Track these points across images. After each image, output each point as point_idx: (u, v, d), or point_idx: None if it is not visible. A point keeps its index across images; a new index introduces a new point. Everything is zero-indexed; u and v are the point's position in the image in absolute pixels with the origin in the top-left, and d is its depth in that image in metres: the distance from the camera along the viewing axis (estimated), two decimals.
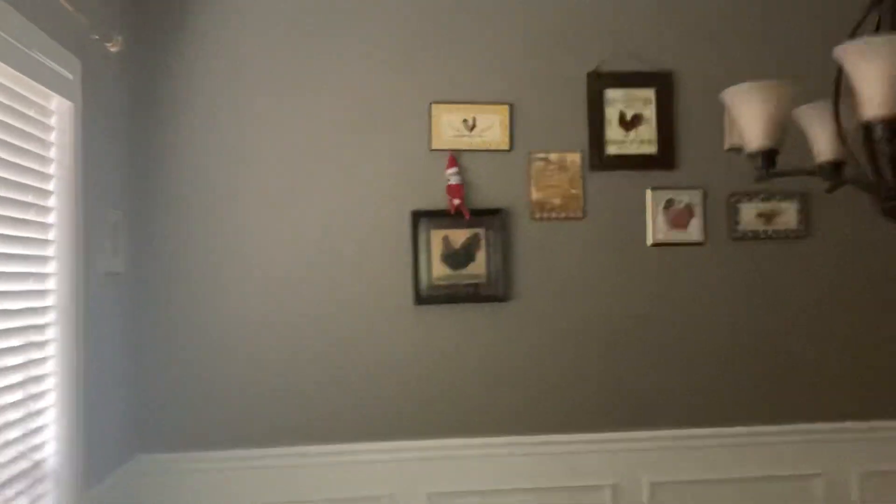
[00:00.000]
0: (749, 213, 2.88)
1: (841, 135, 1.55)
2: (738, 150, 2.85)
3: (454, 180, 2.78)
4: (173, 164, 2.74)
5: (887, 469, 2.89)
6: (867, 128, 1.40)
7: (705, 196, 2.89)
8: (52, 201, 2.12)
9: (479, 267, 2.82)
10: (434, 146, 2.82)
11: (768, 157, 1.60)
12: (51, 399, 2.11)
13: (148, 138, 2.73)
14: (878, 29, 1.57)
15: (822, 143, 1.70)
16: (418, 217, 2.80)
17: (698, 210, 2.87)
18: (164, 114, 2.74)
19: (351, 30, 2.82)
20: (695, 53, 2.92)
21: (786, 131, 1.66)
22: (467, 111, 2.83)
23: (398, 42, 2.83)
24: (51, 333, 2.11)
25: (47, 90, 2.04)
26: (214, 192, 2.75)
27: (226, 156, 2.76)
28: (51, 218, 2.11)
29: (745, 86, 1.61)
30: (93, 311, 2.32)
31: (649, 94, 2.88)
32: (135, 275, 2.70)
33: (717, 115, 2.89)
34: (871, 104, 1.31)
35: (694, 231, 2.87)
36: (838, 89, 1.56)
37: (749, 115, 1.60)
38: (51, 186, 2.12)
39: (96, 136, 2.38)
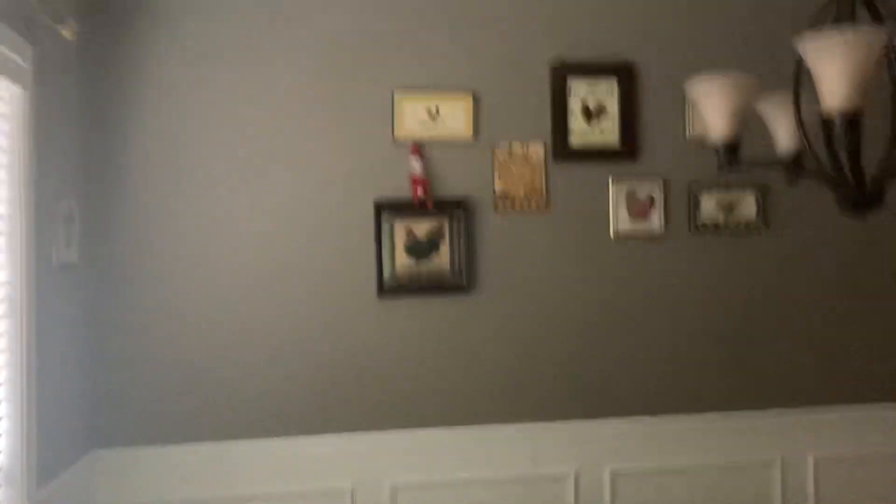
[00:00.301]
0: (709, 204, 2.92)
1: (801, 127, 1.57)
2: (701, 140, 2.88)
3: (417, 170, 2.76)
4: (129, 153, 2.67)
5: (841, 454, 2.97)
6: (827, 121, 1.42)
7: (666, 186, 2.91)
8: (2, 191, 2.05)
9: (442, 258, 2.81)
10: (397, 135, 2.79)
11: (730, 148, 1.62)
12: (1, 394, 2.04)
13: (103, 126, 2.66)
14: (837, 19, 1.59)
15: (783, 136, 1.72)
16: (381, 208, 2.77)
17: (659, 201, 2.90)
18: (119, 101, 2.67)
19: (314, 14, 2.77)
20: (656, 44, 2.93)
21: (749, 121, 1.68)
22: (431, 100, 2.80)
23: (362, 29, 2.79)
24: (1, 327, 2.04)
25: None
26: (171, 181, 2.69)
27: (182, 144, 2.70)
28: (1, 208, 2.04)
29: (707, 78, 1.62)
30: (45, 303, 2.25)
31: (612, 84, 2.89)
32: (89, 266, 2.63)
33: (679, 105, 2.92)
34: (832, 98, 1.33)
35: (655, 222, 2.90)
36: (798, 81, 1.57)
37: (711, 107, 1.62)
38: (1, 175, 2.04)
39: (49, 124, 2.31)
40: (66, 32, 2.26)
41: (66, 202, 2.42)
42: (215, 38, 2.72)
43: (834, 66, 1.31)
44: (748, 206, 2.93)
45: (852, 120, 1.34)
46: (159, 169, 2.69)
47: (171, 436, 2.67)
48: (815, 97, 1.53)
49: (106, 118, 2.66)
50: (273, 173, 2.74)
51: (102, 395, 2.64)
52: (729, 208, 2.92)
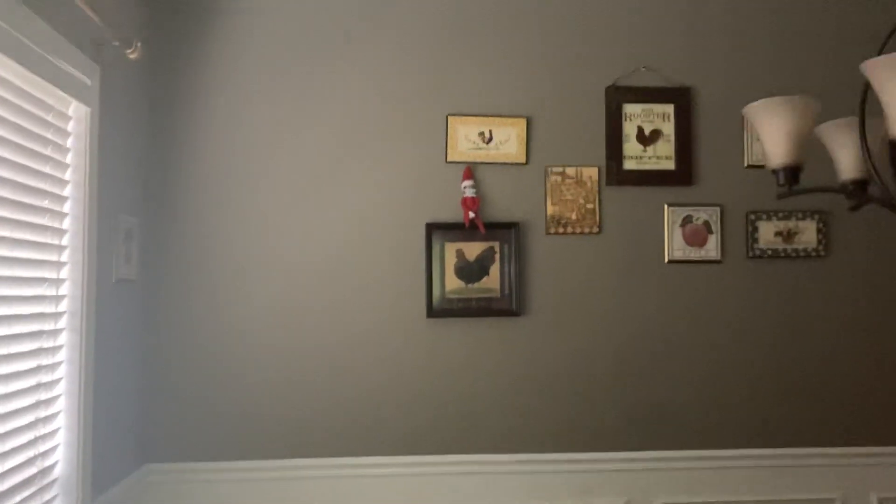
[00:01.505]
0: (767, 232, 2.85)
1: (867, 152, 1.52)
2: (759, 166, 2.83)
3: (469, 193, 2.76)
4: (189, 172, 2.74)
5: None
6: (894, 146, 1.37)
7: (723, 213, 2.85)
8: (67, 206, 2.12)
9: (492, 281, 2.80)
10: (450, 158, 2.80)
11: (791, 173, 1.58)
12: (60, 405, 2.09)
13: (164, 145, 2.74)
14: None
15: (846, 161, 1.67)
16: (432, 229, 2.78)
17: (716, 227, 2.84)
18: (180, 120, 2.74)
19: (371, 39, 2.81)
20: (714, 69, 2.89)
21: (808, 147, 1.63)
22: (484, 124, 2.81)
23: (417, 53, 2.82)
24: (62, 339, 2.10)
25: (66, 95, 2.04)
26: (229, 201, 2.75)
27: (242, 164, 2.76)
28: (65, 223, 2.11)
29: (767, 101, 1.59)
30: (104, 319, 2.31)
31: (668, 109, 2.86)
32: (147, 282, 2.70)
33: (737, 131, 2.87)
34: None
35: (711, 248, 2.84)
36: (864, 105, 1.53)
37: (771, 131, 1.58)
38: (66, 192, 2.11)
39: (113, 143, 2.38)
40: (132, 53, 2.33)
41: (126, 219, 2.49)
42: (276, 64, 2.78)
43: None
44: (809, 232, 2.85)
45: None
46: (217, 188, 2.74)
47: (222, 453, 2.70)
48: (879, 122, 1.49)
49: (166, 137, 2.74)
50: (328, 195, 2.77)
51: (156, 410, 2.69)
52: (788, 235, 2.85)
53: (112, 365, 2.40)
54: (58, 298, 2.08)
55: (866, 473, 2.84)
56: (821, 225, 2.85)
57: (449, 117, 2.80)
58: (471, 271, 2.80)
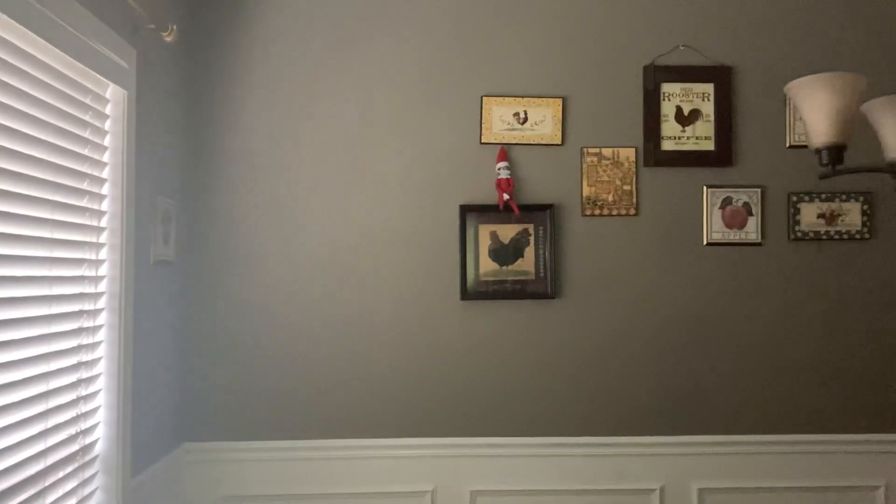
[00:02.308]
0: (809, 213, 2.78)
1: None
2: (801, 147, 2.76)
3: (504, 174, 2.74)
4: (226, 153, 2.76)
5: None
6: None
7: (764, 195, 2.79)
8: (105, 188, 2.14)
9: (527, 263, 2.78)
10: (484, 139, 2.78)
11: (834, 153, 1.53)
12: (100, 384, 2.13)
13: (201, 126, 2.75)
14: None
15: (891, 140, 1.61)
16: (466, 211, 2.76)
17: (756, 209, 2.78)
18: (216, 102, 2.76)
19: (406, 19, 2.79)
20: (755, 47, 2.82)
21: (853, 126, 1.58)
22: (519, 104, 2.78)
23: (451, 33, 2.80)
24: (102, 319, 2.13)
25: (103, 78, 2.05)
26: (266, 182, 2.76)
27: (278, 145, 2.76)
28: (104, 205, 2.13)
29: (810, 78, 1.54)
30: (142, 299, 2.34)
31: (708, 88, 2.79)
32: (185, 263, 2.72)
33: (778, 111, 2.80)
34: None
35: (751, 230, 2.78)
36: None
37: (814, 109, 1.53)
38: (104, 174, 2.14)
39: (150, 125, 2.40)
40: (168, 36, 2.34)
41: (164, 200, 2.51)
42: (310, 43, 2.77)
43: None
44: (853, 214, 2.78)
45: None
46: (254, 170, 2.76)
47: (258, 432, 2.73)
48: None
49: (202, 119, 2.75)
50: (363, 175, 2.77)
51: (194, 390, 2.72)
52: (831, 217, 2.77)
53: (151, 345, 2.43)
54: (97, 279, 2.11)
55: None
56: (865, 206, 2.78)
57: (483, 98, 2.77)
58: (505, 253, 2.78)
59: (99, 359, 2.12)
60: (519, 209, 2.73)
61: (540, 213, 2.77)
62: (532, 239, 2.78)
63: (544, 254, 2.77)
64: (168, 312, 2.60)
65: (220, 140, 2.75)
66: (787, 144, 2.80)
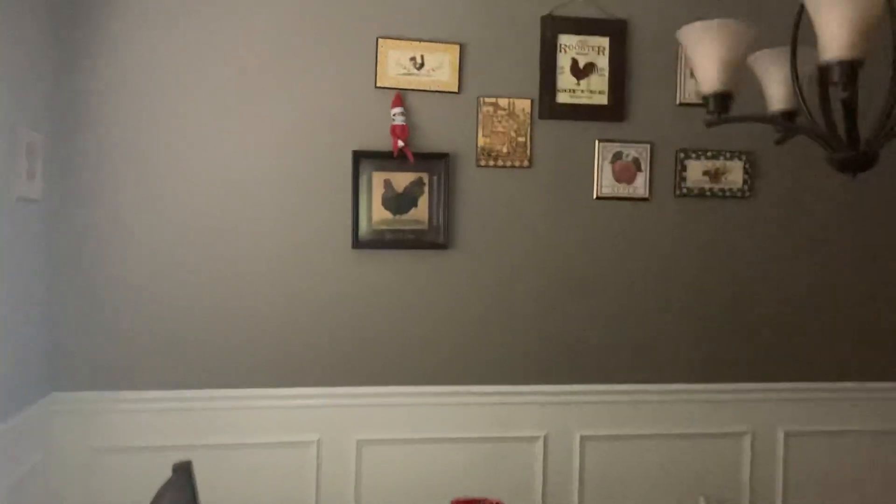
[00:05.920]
0: (696, 171, 2.86)
1: (796, 79, 1.50)
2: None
3: (399, 120, 2.67)
4: (100, 86, 2.56)
5: (811, 429, 2.96)
6: (824, 72, 1.35)
7: (653, 150, 2.84)
8: None
9: (420, 213, 2.74)
10: (380, 83, 2.70)
11: (721, 100, 1.55)
12: None
13: (74, 55, 2.54)
14: None
15: (776, 91, 1.66)
16: (360, 157, 2.69)
17: (645, 165, 2.83)
18: (89, 32, 2.55)
19: None
20: (650, 2, 2.84)
21: (741, 79, 1.61)
22: (416, 48, 2.71)
23: None
24: None
25: None
26: (143, 118, 2.58)
27: (156, 80, 2.59)
28: None
29: (701, 24, 1.55)
30: (3, 238, 2.15)
31: (603, 42, 2.80)
32: (53, 201, 2.53)
33: (669, 68, 2.85)
34: (832, 46, 1.26)
35: (640, 186, 2.84)
36: (797, 32, 1.50)
37: (704, 56, 1.54)
38: None
39: (15, 50, 2.19)
40: None
41: (28, 133, 2.31)
42: None
43: (835, 13, 1.24)
44: (735, 172, 2.87)
45: (851, 72, 1.27)
46: (130, 105, 2.58)
47: (132, 382, 2.60)
48: (809, 57, 1.47)
49: (76, 49, 2.54)
50: (250, 116, 2.64)
51: (63, 337, 2.56)
52: (716, 174, 2.86)
53: (15, 288, 2.26)
54: None
55: (775, 408, 2.94)
56: (747, 165, 2.88)
57: (379, 40, 2.69)
58: (399, 202, 2.73)
59: None
60: (414, 157, 2.68)
61: (435, 163, 2.73)
62: (426, 188, 2.74)
63: (438, 203, 2.73)
64: (34, 254, 2.42)
65: (93, 72, 2.55)
66: (678, 102, 2.85)
